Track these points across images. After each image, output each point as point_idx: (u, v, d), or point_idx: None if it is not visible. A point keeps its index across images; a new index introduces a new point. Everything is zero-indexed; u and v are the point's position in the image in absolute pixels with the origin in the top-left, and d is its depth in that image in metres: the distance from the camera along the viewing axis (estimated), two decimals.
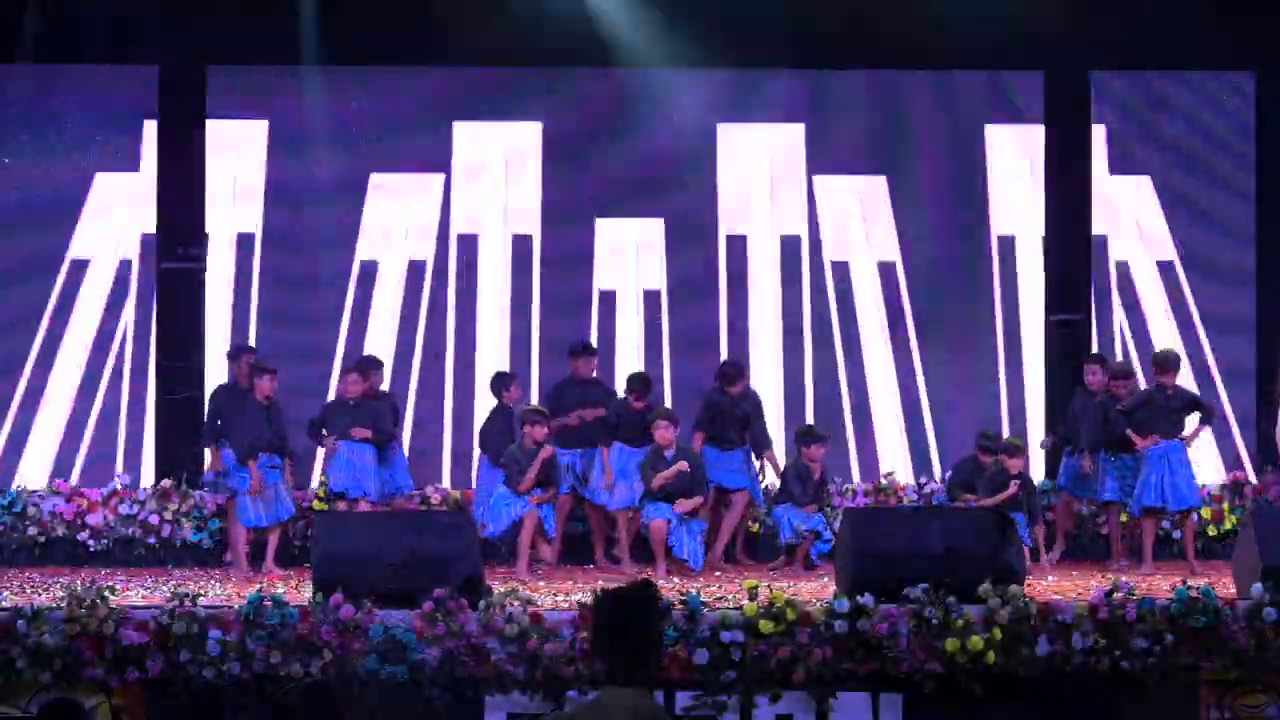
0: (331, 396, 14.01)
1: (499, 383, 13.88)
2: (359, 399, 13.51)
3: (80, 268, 14.95)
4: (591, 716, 5.21)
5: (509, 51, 14.62)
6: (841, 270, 15.59)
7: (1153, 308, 15.42)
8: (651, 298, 15.50)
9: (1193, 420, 13.26)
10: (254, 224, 15.26)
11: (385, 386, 14.03)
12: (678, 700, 9.86)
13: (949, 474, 13.93)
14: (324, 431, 13.46)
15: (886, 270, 15.58)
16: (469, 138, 15.51)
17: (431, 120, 15.43)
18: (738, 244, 15.59)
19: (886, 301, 15.56)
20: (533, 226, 15.42)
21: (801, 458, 13.29)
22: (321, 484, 13.80)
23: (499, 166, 15.52)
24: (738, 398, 13.64)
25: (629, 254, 15.53)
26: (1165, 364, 13.32)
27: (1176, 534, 13.78)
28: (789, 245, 15.57)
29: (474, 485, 14.04)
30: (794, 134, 15.59)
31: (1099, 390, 13.59)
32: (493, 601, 9.97)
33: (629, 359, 15.15)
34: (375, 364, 13.98)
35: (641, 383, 13.68)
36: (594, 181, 15.45)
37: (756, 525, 13.95)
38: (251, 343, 14.82)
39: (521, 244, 15.45)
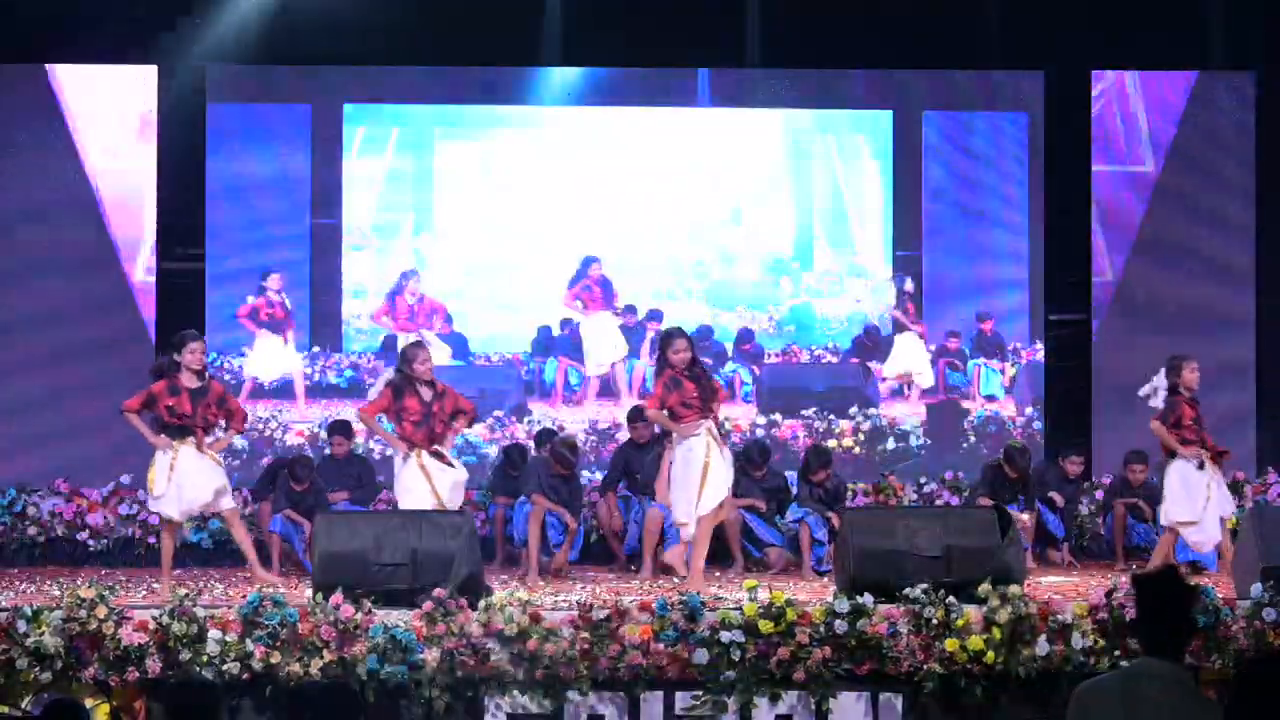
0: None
1: None
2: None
3: (81, 267, 14.94)
4: (1129, 682, 5.81)
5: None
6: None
7: (1152, 308, 15.42)
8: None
9: None
10: (257, 223, 15.28)
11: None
12: (677, 700, 9.86)
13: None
14: None
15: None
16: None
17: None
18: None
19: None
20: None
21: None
22: None
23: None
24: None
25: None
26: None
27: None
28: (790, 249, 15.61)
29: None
30: (786, 140, 15.67)
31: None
32: (493, 602, 9.97)
33: None
34: None
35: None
36: None
37: None
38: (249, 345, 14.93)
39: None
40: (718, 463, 11.68)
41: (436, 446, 11.63)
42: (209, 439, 11.64)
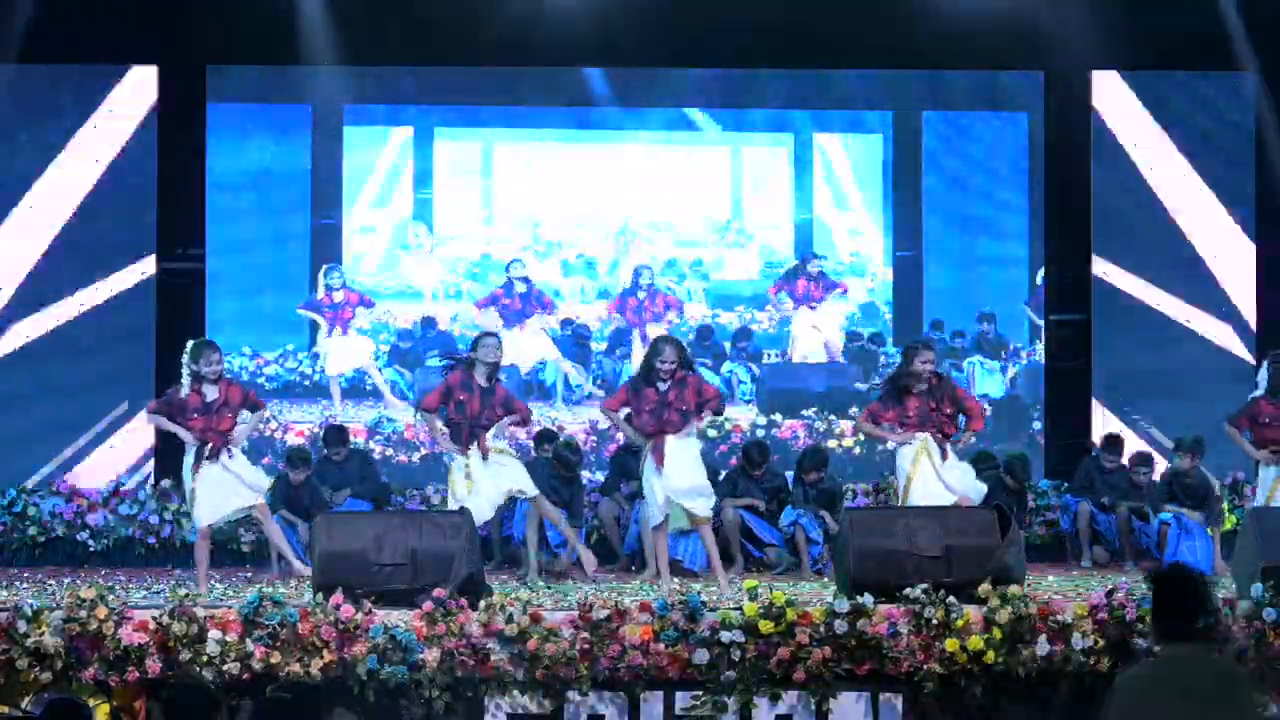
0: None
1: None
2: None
3: (81, 266, 14.94)
4: (1165, 667, 6.16)
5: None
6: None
7: (1153, 307, 15.42)
8: None
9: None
10: (257, 223, 15.30)
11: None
12: (677, 700, 9.87)
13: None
14: None
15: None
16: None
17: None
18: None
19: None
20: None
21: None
22: None
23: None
24: None
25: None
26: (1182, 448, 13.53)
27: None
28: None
29: None
30: (784, 140, 15.69)
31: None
32: (493, 601, 9.97)
33: None
34: None
35: None
36: None
37: None
38: (250, 345, 14.94)
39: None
40: (924, 474, 11.72)
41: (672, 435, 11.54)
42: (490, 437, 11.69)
